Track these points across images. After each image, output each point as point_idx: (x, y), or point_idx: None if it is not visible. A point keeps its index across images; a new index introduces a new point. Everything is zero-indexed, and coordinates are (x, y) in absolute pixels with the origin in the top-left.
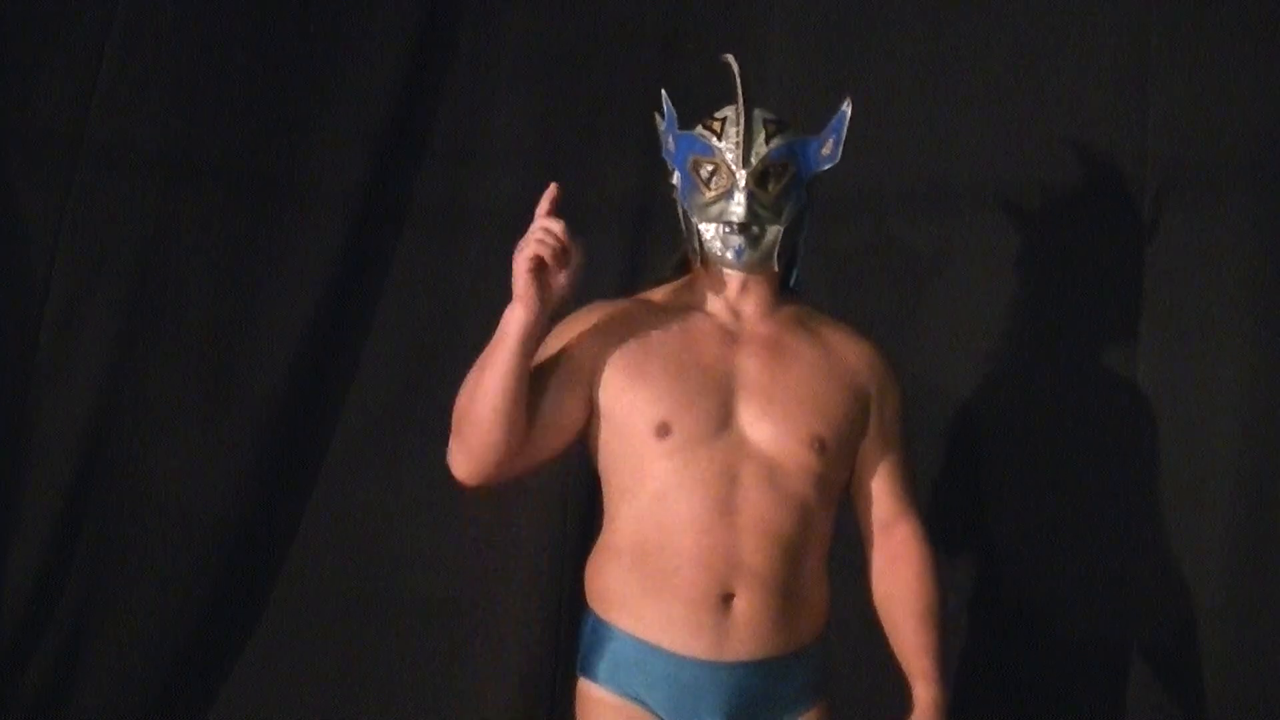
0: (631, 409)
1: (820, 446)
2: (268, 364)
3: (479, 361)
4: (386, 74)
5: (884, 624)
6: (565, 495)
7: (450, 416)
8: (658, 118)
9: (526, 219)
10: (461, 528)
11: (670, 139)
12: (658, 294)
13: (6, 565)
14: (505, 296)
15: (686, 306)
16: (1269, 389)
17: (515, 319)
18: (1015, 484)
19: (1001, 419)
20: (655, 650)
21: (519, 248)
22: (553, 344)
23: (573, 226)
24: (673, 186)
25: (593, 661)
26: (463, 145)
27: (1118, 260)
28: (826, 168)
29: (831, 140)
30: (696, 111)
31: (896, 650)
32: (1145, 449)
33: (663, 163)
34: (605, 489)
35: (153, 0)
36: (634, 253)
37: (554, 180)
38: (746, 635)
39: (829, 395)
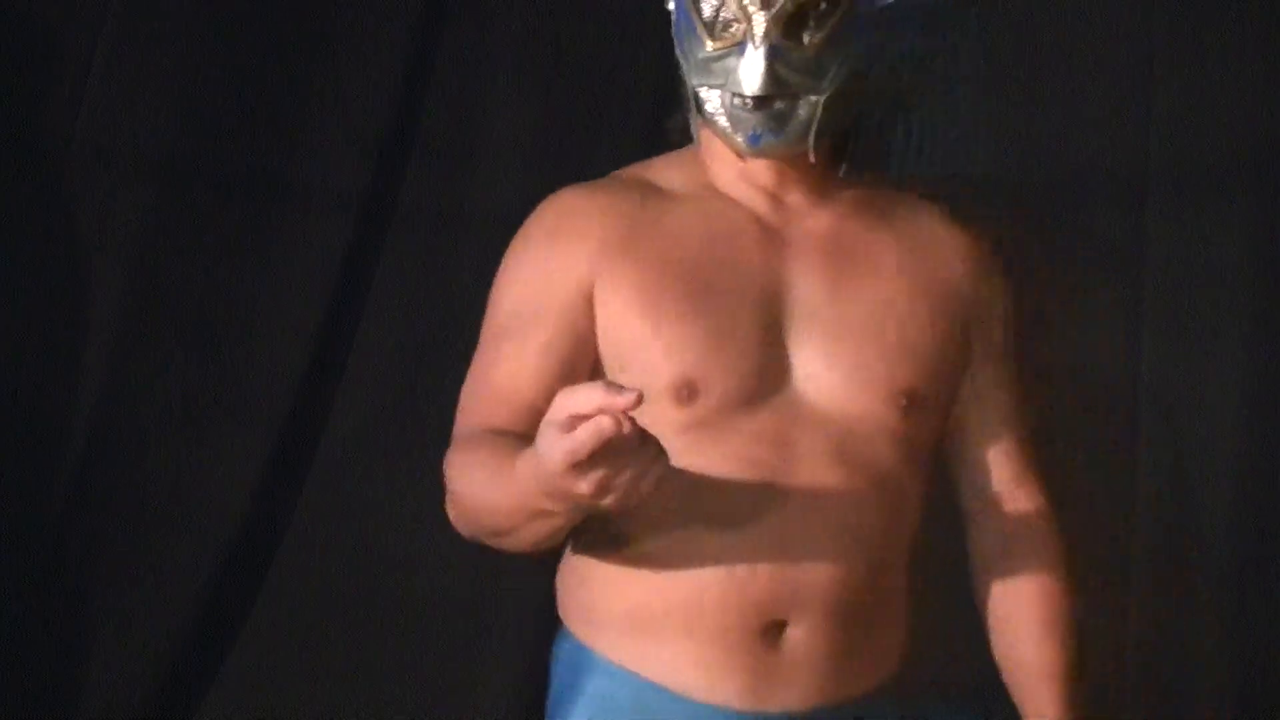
0: (641, 363)
1: (909, 401)
2: (267, 364)
3: (495, 480)
4: (384, 75)
5: (993, 637)
6: None
7: (449, 420)
8: None
9: (526, 219)
10: None
11: None
12: (661, 170)
13: (4, 564)
14: None
15: (706, 191)
16: (1270, 391)
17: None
18: None
19: None
20: (665, 694)
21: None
22: (533, 275)
23: None
24: (668, 13)
25: (570, 702)
26: (461, 146)
27: (1118, 261)
28: None
29: None
30: None
31: (1009, 675)
32: (1144, 449)
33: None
34: None
35: (146, 1)
36: None
37: (555, 178)
38: (801, 677)
39: (920, 321)
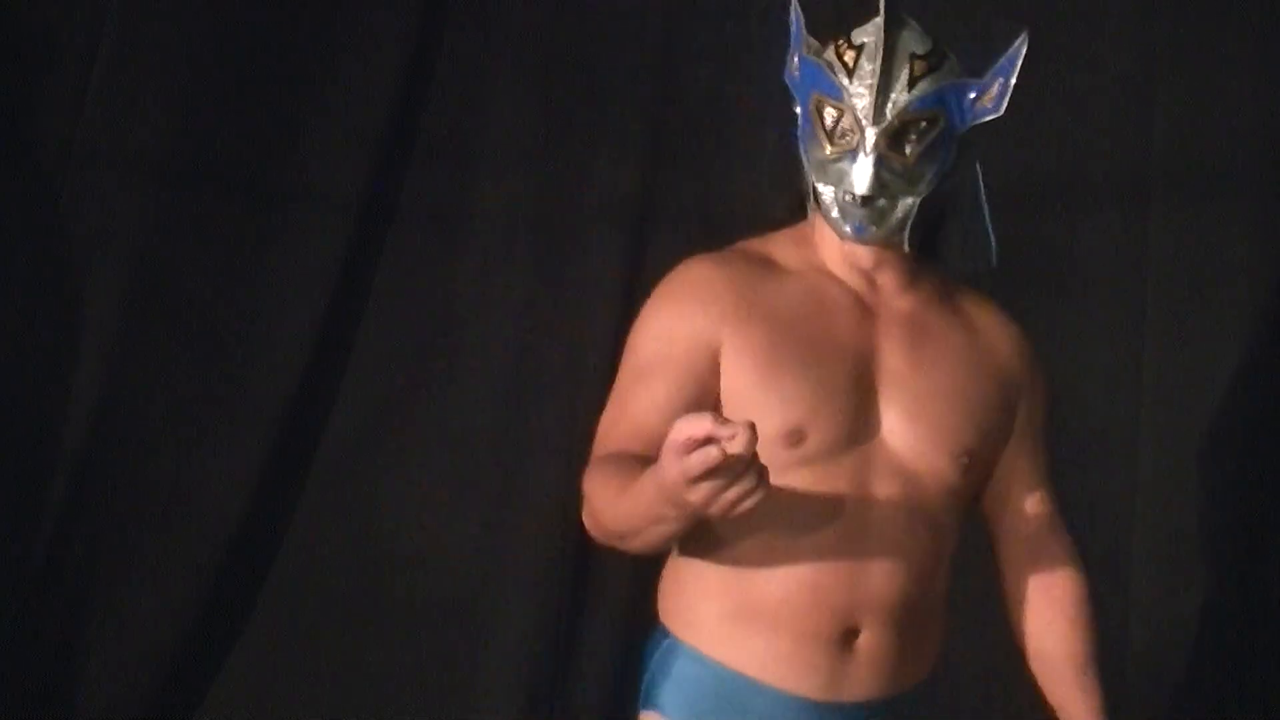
0: (761, 410)
1: (967, 460)
2: (267, 364)
3: (632, 490)
4: (384, 75)
5: (1036, 671)
6: (565, 495)
7: (448, 420)
8: (793, 18)
9: (526, 219)
10: (462, 528)
11: (795, 60)
12: (775, 246)
13: (4, 564)
14: (505, 296)
15: (813, 268)
16: (1270, 389)
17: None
18: None
19: None
20: (754, 685)
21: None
22: (668, 329)
23: (569, 227)
24: (794, 115)
25: (661, 690)
26: (462, 146)
27: (1121, 261)
28: (987, 119)
29: (997, 85)
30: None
31: (1056, 705)
32: (1145, 448)
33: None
34: None
35: (147, 2)
36: (634, 254)
37: (555, 181)
38: (869, 674)
39: (979, 395)
